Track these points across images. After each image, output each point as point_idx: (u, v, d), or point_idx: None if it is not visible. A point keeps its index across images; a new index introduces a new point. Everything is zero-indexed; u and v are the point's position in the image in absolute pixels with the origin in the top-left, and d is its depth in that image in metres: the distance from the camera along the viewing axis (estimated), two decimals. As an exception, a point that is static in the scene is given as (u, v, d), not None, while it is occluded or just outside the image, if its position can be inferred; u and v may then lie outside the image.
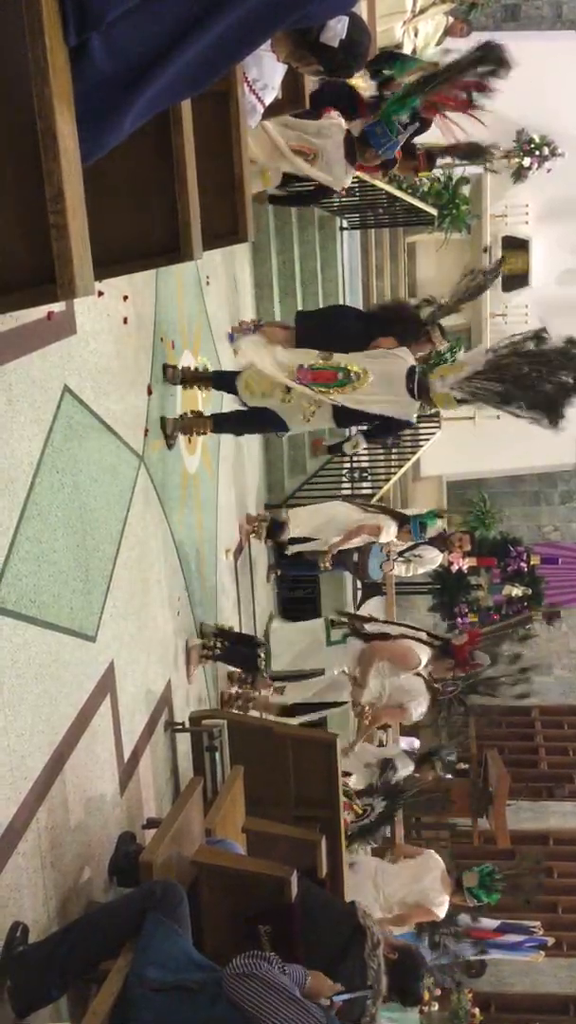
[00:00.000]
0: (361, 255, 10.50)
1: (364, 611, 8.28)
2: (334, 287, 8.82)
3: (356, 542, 6.98)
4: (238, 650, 5.75)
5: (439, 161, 6.82)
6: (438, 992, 8.53)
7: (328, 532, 6.90)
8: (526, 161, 12.60)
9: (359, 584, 8.90)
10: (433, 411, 6.35)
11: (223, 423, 5.59)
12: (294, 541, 7.07)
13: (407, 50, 7.93)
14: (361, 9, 6.85)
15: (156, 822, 4.08)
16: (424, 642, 5.86)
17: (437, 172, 10.66)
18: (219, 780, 4.43)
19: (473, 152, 6.52)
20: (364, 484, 8.92)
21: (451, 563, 8.71)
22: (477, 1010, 9.69)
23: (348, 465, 8.85)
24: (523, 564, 11.04)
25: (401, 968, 4.04)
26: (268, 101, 4.29)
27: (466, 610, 10.59)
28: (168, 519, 4.97)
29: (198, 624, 5.56)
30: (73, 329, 3.60)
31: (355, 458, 8.83)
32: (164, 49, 1.75)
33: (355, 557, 7.69)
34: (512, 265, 12.76)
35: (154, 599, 4.66)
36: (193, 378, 5.37)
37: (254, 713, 6.07)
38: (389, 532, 6.86)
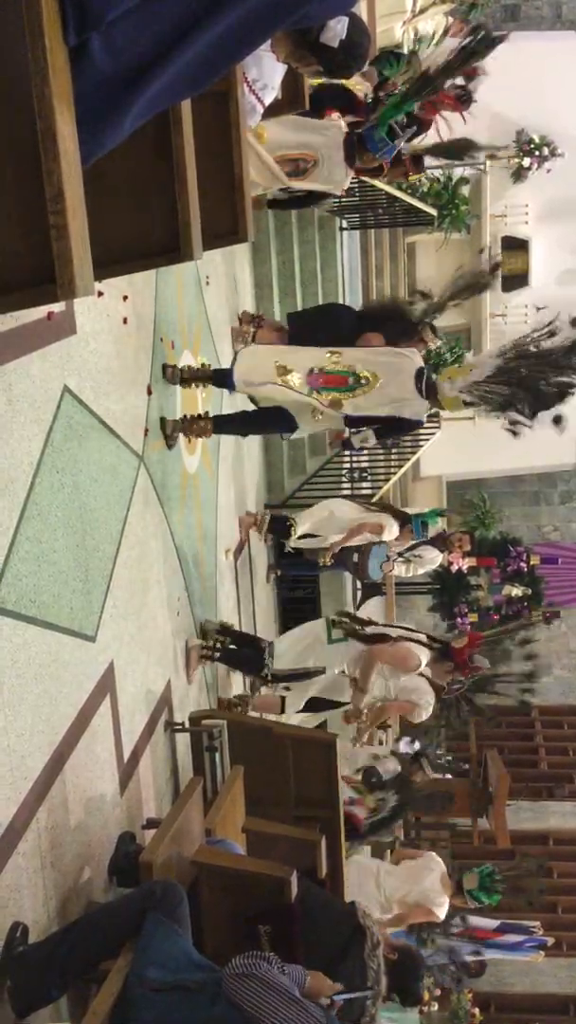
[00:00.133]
0: (361, 255, 10.50)
1: (364, 611, 8.28)
2: (334, 287, 8.82)
3: (357, 540, 6.97)
4: (242, 652, 5.75)
5: (430, 162, 6.79)
6: (438, 992, 8.54)
7: (329, 529, 6.89)
8: (526, 161, 12.61)
9: (359, 584, 8.90)
10: (433, 411, 6.35)
11: (225, 424, 5.59)
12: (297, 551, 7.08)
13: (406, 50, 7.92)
14: (361, 9, 6.85)
15: (156, 822, 4.08)
16: (424, 644, 5.85)
17: (436, 172, 10.67)
18: (219, 780, 4.43)
19: (459, 149, 6.48)
20: (364, 484, 8.92)
21: (451, 563, 8.72)
22: (477, 1010, 9.70)
23: (348, 465, 8.85)
24: (523, 564, 11.06)
25: (401, 968, 4.04)
26: (268, 101, 4.29)
27: (466, 610, 10.60)
28: (168, 519, 4.97)
29: (198, 624, 5.55)
30: (73, 329, 3.60)
31: (355, 458, 8.84)
32: (164, 49, 1.75)
33: (355, 557, 7.68)
34: (512, 265, 12.78)
35: (154, 599, 4.66)
36: (192, 376, 5.37)
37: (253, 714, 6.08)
38: (391, 531, 6.85)
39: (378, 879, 5.77)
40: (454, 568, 9.28)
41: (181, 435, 5.26)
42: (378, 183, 8.16)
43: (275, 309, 7.70)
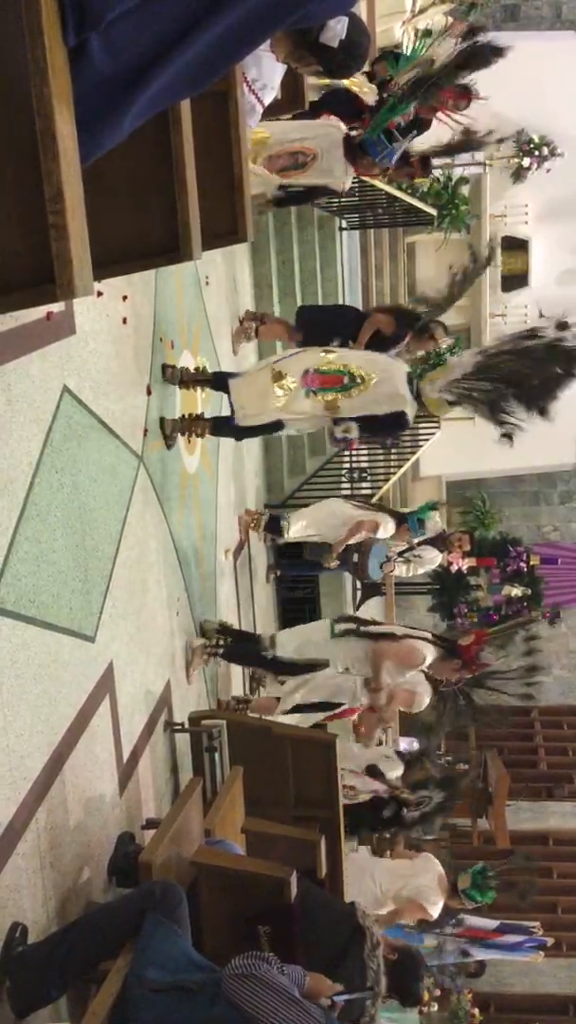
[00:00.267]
0: (360, 255, 10.50)
1: (364, 611, 8.27)
2: (333, 287, 8.82)
3: (356, 538, 6.98)
4: (244, 646, 5.76)
5: (436, 162, 6.82)
6: (437, 992, 8.54)
7: (329, 526, 6.90)
8: (525, 161, 12.61)
9: (359, 584, 8.90)
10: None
11: (222, 427, 5.59)
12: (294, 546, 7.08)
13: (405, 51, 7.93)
14: (361, 9, 6.86)
15: (155, 822, 4.08)
16: (430, 642, 5.84)
17: (436, 172, 10.65)
18: (218, 780, 4.43)
19: (467, 144, 6.52)
20: (363, 484, 8.92)
21: (450, 563, 8.72)
22: (476, 1010, 9.70)
23: (347, 465, 8.85)
24: (522, 564, 11.06)
25: (400, 968, 4.04)
26: (267, 101, 4.30)
27: (465, 610, 10.61)
28: (167, 519, 4.97)
29: (198, 623, 5.55)
30: (72, 329, 3.60)
31: (354, 458, 8.84)
32: (164, 49, 1.75)
33: (355, 557, 7.68)
34: (512, 265, 12.78)
35: (153, 599, 4.66)
36: (192, 380, 5.38)
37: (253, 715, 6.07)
38: (387, 528, 6.86)
39: (373, 875, 5.77)
40: (454, 568, 9.28)
41: (180, 435, 5.27)
42: (378, 183, 8.17)
43: (275, 309, 7.70)
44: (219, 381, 5.49)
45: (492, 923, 8.19)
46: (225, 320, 6.62)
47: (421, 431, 9.21)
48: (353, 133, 5.62)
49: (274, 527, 6.98)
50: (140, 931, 2.84)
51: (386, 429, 5.74)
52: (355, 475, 8.88)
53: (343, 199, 8.17)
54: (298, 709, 6.14)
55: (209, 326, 6.15)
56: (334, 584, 8.63)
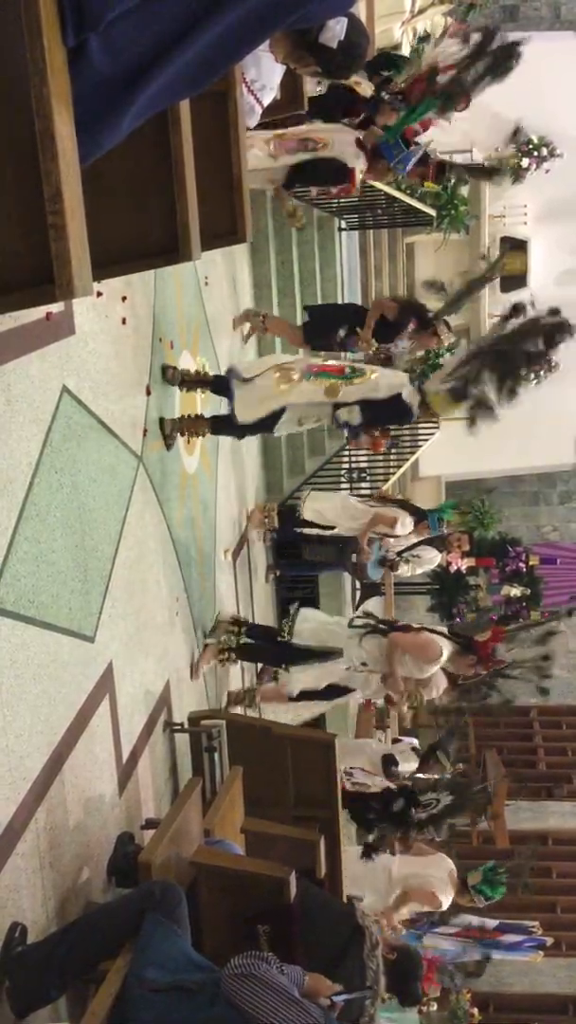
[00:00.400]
0: (360, 256, 10.50)
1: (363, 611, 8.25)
2: (333, 287, 8.82)
3: (372, 532, 6.97)
4: (259, 645, 5.77)
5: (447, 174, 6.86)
6: (437, 992, 8.53)
7: (344, 519, 6.90)
8: (524, 162, 12.61)
9: (358, 584, 8.90)
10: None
11: (222, 427, 5.59)
12: (307, 525, 7.06)
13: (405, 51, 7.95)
14: (360, 10, 6.86)
15: (155, 822, 4.08)
16: (446, 637, 5.85)
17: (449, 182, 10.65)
18: (218, 780, 4.43)
19: (491, 172, 6.68)
20: (363, 484, 8.92)
21: (450, 563, 8.72)
22: (476, 1010, 9.69)
23: (347, 465, 8.85)
24: (522, 564, 11.07)
25: (400, 968, 4.05)
26: (266, 102, 4.30)
27: (464, 610, 10.60)
28: (167, 519, 4.97)
29: (204, 621, 5.56)
30: (72, 330, 3.60)
31: (354, 458, 8.84)
32: (163, 49, 1.75)
33: (353, 557, 7.68)
34: (510, 266, 12.77)
35: (153, 599, 4.66)
36: (192, 382, 5.38)
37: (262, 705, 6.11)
38: (404, 525, 6.85)
39: (391, 871, 5.76)
40: (453, 568, 9.28)
41: (180, 435, 5.27)
42: (378, 183, 8.16)
43: (274, 309, 7.70)
44: (220, 385, 5.50)
45: (492, 922, 8.18)
46: (225, 321, 6.62)
47: (420, 431, 9.21)
48: (361, 136, 5.62)
49: (287, 517, 7.02)
50: (140, 931, 2.84)
51: (388, 414, 5.76)
52: (354, 475, 8.88)
53: (342, 200, 8.17)
54: (307, 696, 6.14)
55: (208, 326, 6.15)
56: (334, 584, 8.64)
